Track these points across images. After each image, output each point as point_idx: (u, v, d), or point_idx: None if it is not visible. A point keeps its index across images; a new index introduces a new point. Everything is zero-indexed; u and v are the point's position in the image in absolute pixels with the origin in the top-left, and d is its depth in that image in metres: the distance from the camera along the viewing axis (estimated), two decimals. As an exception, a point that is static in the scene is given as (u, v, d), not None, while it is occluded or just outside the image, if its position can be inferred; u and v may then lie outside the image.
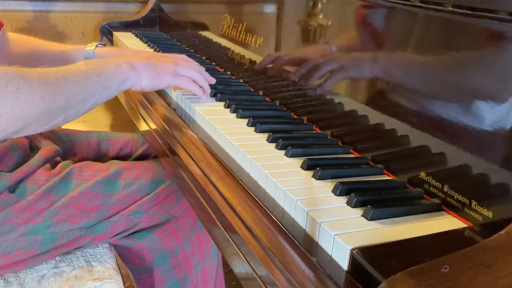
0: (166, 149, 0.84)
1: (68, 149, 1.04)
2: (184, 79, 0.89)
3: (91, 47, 1.02)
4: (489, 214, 0.51)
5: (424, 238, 0.48)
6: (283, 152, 0.69)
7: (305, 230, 0.53)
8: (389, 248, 0.46)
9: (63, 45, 1.08)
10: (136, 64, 0.83)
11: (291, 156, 0.68)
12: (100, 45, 1.04)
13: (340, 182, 0.58)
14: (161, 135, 0.86)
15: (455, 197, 0.55)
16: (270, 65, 0.98)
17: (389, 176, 0.65)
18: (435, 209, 0.56)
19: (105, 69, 0.77)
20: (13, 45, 1.03)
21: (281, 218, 0.55)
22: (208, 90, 0.93)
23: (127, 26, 1.67)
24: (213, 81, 0.96)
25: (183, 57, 0.95)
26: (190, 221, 0.94)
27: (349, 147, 0.73)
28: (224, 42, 1.19)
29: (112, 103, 1.81)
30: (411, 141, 0.63)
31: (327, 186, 0.59)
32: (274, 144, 0.72)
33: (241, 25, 1.10)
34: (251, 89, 1.03)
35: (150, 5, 1.70)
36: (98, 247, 0.91)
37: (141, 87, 0.84)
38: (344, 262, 0.46)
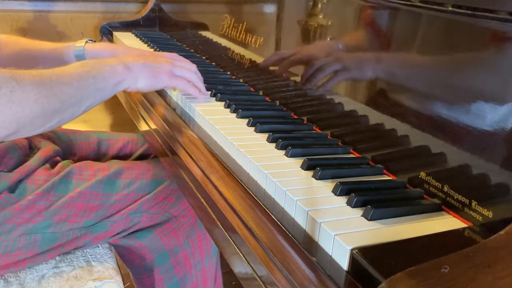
0: (166, 149, 0.84)
1: (68, 149, 1.04)
2: (180, 80, 0.88)
3: (81, 43, 1.00)
4: (489, 214, 0.51)
5: (424, 238, 0.48)
6: (283, 152, 0.69)
7: (305, 230, 0.53)
8: (389, 248, 0.46)
9: (54, 43, 1.06)
10: (132, 65, 0.82)
11: (291, 156, 0.68)
12: (90, 41, 1.02)
13: (340, 182, 0.58)
14: (161, 135, 0.86)
15: (455, 197, 0.55)
16: (270, 65, 0.98)
17: (389, 176, 0.65)
18: (435, 209, 0.56)
19: (101, 71, 0.76)
20: (2, 46, 1.01)
21: (281, 218, 0.55)
22: (205, 91, 0.93)
23: (127, 26, 1.67)
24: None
25: (177, 56, 0.95)
26: (190, 221, 0.94)
27: (349, 147, 0.73)
28: (224, 42, 1.19)
29: (112, 103, 1.81)
30: (411, 141, 0.63)
31: (327, 186, 0.59)
32: (274, 144, 0.72)
33: (241, 25, 1.10)
34: (251, 89, 1.03)
35: (150, 5, 1.70)
36: (98, 247, 0.91)
37: (137, 88, 0.83)
38: (344, 262, 0.46)
